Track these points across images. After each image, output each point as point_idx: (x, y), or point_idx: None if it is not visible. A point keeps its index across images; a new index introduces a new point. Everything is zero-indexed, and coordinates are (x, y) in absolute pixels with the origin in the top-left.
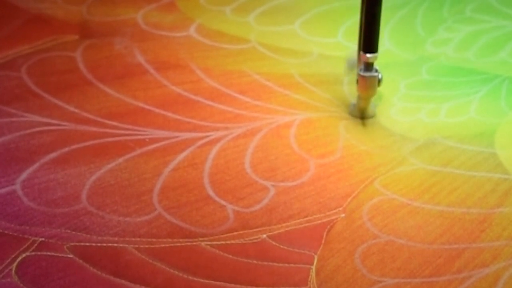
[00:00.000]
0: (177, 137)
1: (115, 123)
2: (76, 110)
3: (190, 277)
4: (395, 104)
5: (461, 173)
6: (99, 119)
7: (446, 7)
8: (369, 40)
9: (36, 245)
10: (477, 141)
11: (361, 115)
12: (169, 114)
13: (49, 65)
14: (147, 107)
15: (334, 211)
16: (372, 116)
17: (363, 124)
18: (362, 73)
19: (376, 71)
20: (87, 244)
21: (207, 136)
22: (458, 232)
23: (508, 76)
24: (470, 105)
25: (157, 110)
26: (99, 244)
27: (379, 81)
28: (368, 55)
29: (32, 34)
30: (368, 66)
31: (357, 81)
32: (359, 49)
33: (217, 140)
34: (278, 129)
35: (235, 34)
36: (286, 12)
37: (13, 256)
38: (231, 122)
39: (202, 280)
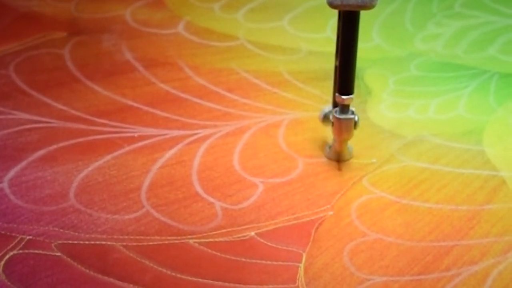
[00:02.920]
0: (165, 134)
1: (103, 121)
2: (64, 108)
3: (178, 275)
4: (384, 100)
5: (450, 170)
6: (87, 116)
7: (435, 2)
8: (345, 81)
9: (23, 243)
10: (466, 139)
11: (337, 158)
12: (158, 111)
13: (38, 63)
14: (135, 104)
15: (323, 208)
16: (349, 159)
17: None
18: (337, 116)
19: (352, 113)
20: (75, 242)
21: (196, 134)
22: (446, 229)
23: (497, 72)
24: (459, 101)
25: (145, 108)
26: (87, 242)
27: (356, 123)
28: (343, 96)
29: (20, 32)
30: (344, 108)
31: (332, 124)
32: (334, 91)
33: (206, 138)
34: (267, 128)
35: (224, 31)
36: (274, 8)
37: (0, 254)
38: (220, 120)
39: (190, 278)
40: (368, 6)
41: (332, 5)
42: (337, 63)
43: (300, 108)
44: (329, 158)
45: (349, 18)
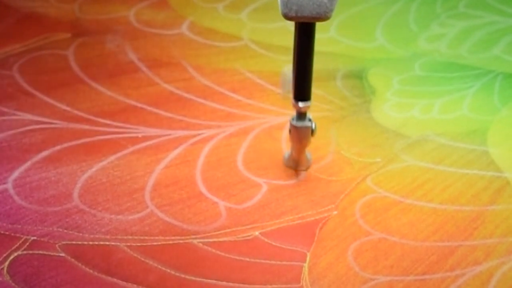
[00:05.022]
0: (169, 135)
1: (107, 121)
2: (68, 108)
3: (182, 275)
4: (388, 100)
5: (454, 171)
6: (91, 117)
7: (439, 2)
8: (301, 87)
9: (28, 244)
10: (470, 139)
11: (296, 166)
12: (161, 112)
13: (41, 64)
14: (139, 105)
15: (327, 208)
16: (308, 167)
17: (356, 122)
18: (294, 123)
19: (310, 120)
20: (79, 242)
21: (199, 134)
22: (451, 230)
23: (501, 72)
24: (463, 101)
25: (149, 108)
26: (91, 243)
27: (313, 131)
28: (300, 103)
29: (24, 33)
30: (301, 116)
31: (290, 131)
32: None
33: (210, 138)
34: (271, 130)
35: (227, 31)
36: (278, 9)
37: (4, 255)
38: (224, 120)
39: (194, 278)
40: (323, 18)
41: (287, 17)
42: (294, 68)
43: None
44: (288, 166)
45: (305, 29)
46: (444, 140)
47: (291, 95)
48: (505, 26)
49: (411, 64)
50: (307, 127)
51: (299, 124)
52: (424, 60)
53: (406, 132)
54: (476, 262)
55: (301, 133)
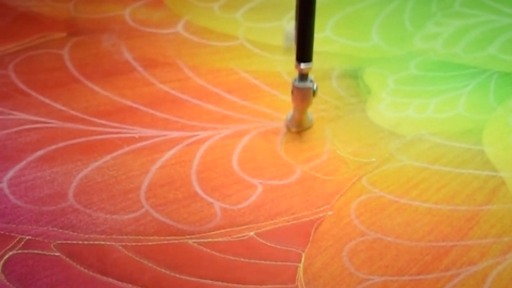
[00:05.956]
0: (164, 135)
1: (102, 121)
2: (64, 108)
3: (177, 275)
4: (384, 99)
5: (449, 170)
6: (86, 117)
7: (434, 2)
8: (303, 48)
9: (23, 243)
10: (465, 138)
11: (297, 127)
12: (157, 113)
13: (37, 63)
14: (134, 105)
15: (322, 208)
16: (309, 127)
17: (351, 122)
18: (296, 84)
19: (311, 81)
20: (74, 242)
21: (195, 136)
22: (446, 230)
23: (497, 71)
24: (459, 100)
25: (144, 109)
26: (86, 242)
27: (314, 92)
28: (302, 65)
29: (20, 32)
30: (303, 77)
31: (292, 92)
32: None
33: (205, 139)
34: (266, 134)
35: (223, 31)
36: (274, 8)
37: None
38: (219, 123)
39: (189, 278)
40: None
41: None
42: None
43: None
44: (290, 128)
45: None
46: (439, 140)
47: (293, 50)
48: (501, 25)
49: (406, 64)
50: (308, 88)
51: (301, 85)
52: (420, 59)
53: (401, 131)
54: (471, 262)
55: (303, 93)
